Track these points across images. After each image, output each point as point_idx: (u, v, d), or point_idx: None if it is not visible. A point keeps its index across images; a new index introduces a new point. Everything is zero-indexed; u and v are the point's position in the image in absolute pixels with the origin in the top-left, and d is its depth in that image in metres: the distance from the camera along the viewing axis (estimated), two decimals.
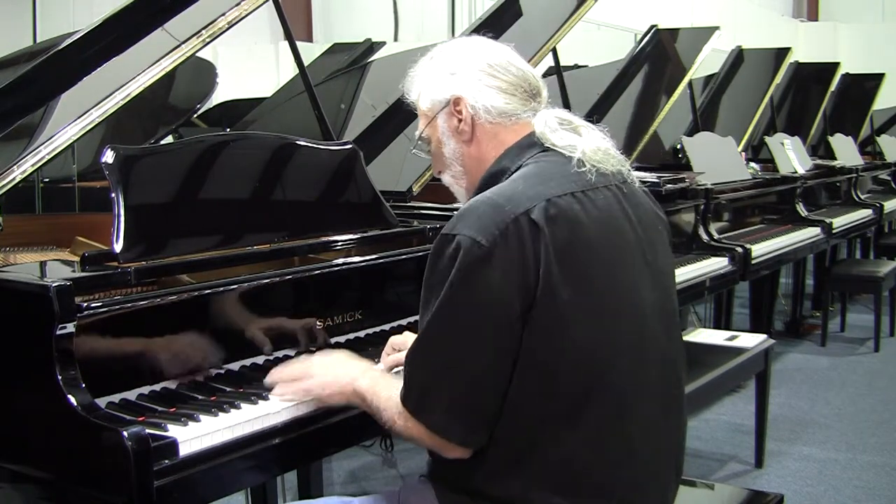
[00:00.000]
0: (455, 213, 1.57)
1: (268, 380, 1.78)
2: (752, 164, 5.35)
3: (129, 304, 1.69)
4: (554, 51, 3.55)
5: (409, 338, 1.94)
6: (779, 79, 6.14)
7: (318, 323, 2.02)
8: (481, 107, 1.68)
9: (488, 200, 1.54)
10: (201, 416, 1.64)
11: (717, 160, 4.64)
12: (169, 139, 3.62)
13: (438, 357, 1.53)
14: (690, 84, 5.10)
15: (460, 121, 1.71)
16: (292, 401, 1.74)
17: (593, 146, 1.66)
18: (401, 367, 1.87)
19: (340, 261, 2.11)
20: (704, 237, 4.13)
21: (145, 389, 1.71)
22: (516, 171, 1.65)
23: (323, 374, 1.74)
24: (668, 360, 1.66)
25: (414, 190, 2.84)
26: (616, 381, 1.55)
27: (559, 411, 1.52)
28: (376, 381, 1.67)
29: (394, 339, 1.97)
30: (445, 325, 1.52)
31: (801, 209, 5.23)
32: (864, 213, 5.99)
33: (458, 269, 1.49)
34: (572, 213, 1.55)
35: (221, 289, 1.85)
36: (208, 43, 2.18)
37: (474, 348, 1.50)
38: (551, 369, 1.51)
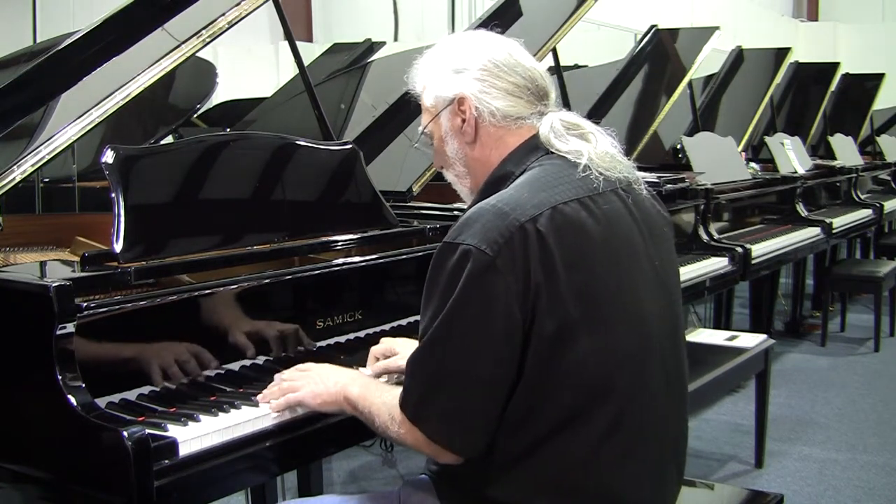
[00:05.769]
0: (458, 219, 1.54)
1: (259, 397, 1.76)
2: (752, 164, 5.35)
3: (129, 304, 1.69)
4: (554, 51, 3.55)
5: (391, 345, 1.93)
6: (779, 79, 6.14)
7: (318, 323, 2.02)
8: (486, 109, 1.64)
9: (493, 209, 1.51)
10: (201, 416, 1.64)
11: (717, 160, 4.63)
12: (169, 139, 3.62)
13: (438, 366, 1.50)
14: (690, 84, 5.10)
15: (464, 121, 1.66)
16: (285, 412, 1.72)
17: (601, 152, 1.62)
18: (389, 376, 1.87)
19: (340, 261, 2.11)
20: (704, 237, 4.13)
21: (145, 389, 1.71)
22: (520, 175, 1.62)
23: (313, 384, 1.72)
24: (671, 366, 1.65)
25: (414, 190, 2.84)
26: (618, 389, 1.54)
27: (561, 419, 1.51)
28: (367, 388, 1.67)
29: (375, 349, 1.95)
30: (446, 334, 1.49)
31: (801, 209, 5.23)
32: (864, 213, 5.99)
33: (460, 279, 1.46)
34: (578, 221, 1.53)
35: (221, 289, 1.85)
36: (208, 43, 2.18)
37: (475, 358, 1.48)
38: (554, 379, 1.49)
